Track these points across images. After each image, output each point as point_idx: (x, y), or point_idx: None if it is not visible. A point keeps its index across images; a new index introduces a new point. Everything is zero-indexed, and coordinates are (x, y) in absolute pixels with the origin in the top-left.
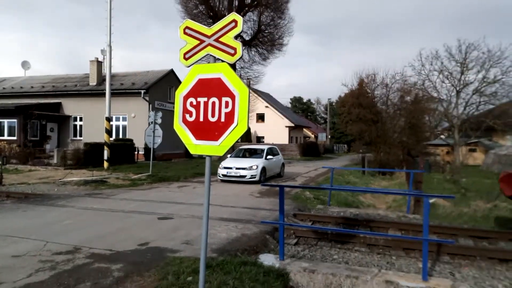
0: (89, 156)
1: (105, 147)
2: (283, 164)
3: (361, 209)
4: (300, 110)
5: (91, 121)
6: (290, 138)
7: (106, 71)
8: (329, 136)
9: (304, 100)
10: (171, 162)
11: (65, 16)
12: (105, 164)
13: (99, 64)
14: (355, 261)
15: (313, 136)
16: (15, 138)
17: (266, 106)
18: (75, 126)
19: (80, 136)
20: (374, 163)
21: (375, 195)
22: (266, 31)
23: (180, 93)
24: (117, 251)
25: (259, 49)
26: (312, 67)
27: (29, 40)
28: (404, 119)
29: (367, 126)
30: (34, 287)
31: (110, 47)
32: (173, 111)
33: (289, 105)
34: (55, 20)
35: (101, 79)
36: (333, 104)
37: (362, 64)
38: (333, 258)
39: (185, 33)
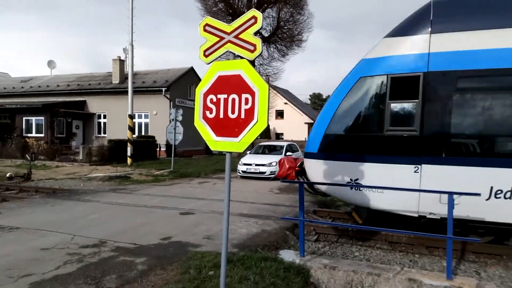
0: (113, 152)
1: (128, 144)
2: None
3: None
4: (319, 107)
5: (115, 119)
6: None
7: (128, 69)
8: None
9: (324, 97)
10: (192, 159)
11: (89, 16)
12: (129, 161)
13: (122, 62)
14: (376, 258)
15: None
16: (42, 135)
17: (285, 103)
18: (99, 123)
19: (104, 133)
20: None
21: None
22: (285, 27)
23: (200, 90)
24: (140, 245)
25: (278, 45)
26: (331, 63)
27: (55, 39)
28: None
29: None
30: (62, 279)
31: (132, 45)
32: (193, 108)
33: (308, 102)
34: (79, 20)
35: (123, 77)
36: None
37: None
38: (354, 255)
39: (205, 30)
